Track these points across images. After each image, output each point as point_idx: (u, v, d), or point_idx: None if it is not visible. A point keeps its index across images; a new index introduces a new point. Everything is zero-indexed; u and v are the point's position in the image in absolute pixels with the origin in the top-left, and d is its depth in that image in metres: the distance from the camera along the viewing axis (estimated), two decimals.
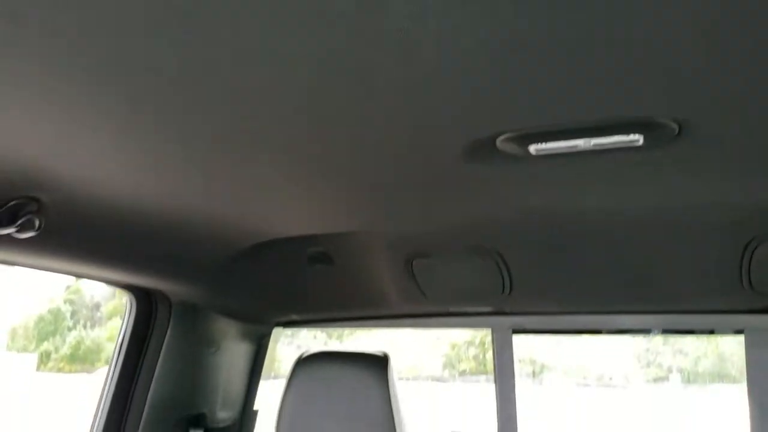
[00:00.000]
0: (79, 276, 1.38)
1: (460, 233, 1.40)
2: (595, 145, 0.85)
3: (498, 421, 1.87)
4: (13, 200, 0.98)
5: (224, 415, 1.77)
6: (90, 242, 1.22)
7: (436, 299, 1.70)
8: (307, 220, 1.31)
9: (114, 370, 1.58)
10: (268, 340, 1.90)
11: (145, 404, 1.59)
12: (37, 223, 1.02)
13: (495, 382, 1.86)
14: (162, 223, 1.22)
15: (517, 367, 1.88)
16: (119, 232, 1.22)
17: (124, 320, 1.61)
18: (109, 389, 1.58)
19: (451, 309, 1.79)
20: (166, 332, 1.60)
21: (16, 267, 1.23)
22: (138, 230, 1.24)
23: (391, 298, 1.72)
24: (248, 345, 1.85)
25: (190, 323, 1.64)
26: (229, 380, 1.79)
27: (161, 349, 1.60)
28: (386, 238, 1.47)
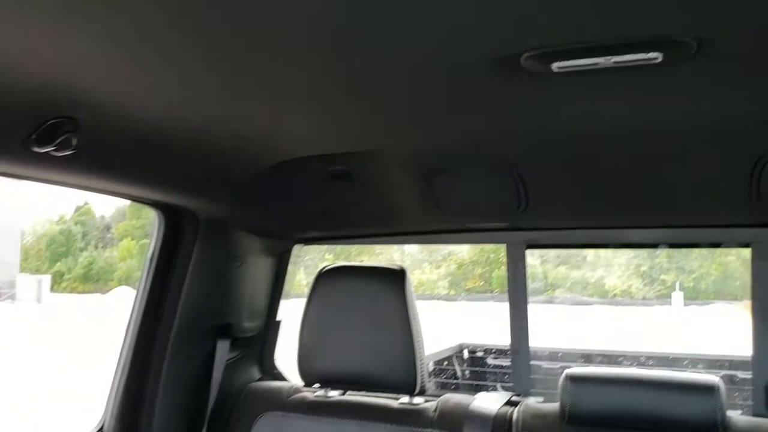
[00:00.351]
0: (110, 194, 1.43)
1: (480, 149, 1.44)
2: (615, 62, 0.88)
3: (511, 332, 1.96)
4: (51, 120, 1.01)
5: (249, 325, 1.85)
6: (122, 160, 1.26)
7: (454, 215, 1.75)
8: (329, 138, 1.35)
9: (145, 284, 1.66)
10: (289, 256, 1.97)
11: (175, 316, 1.67)
12: (73, 141, 1.05)
13: (508, 294, 1.94)
14: (190, 141, 1.26)
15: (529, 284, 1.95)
16: (150, 150, 1.26)
17: (153, 237, 1.67)
18: (140, 302, 1.66)
19: (468, 224, 1.84)
20: (194, 247, 1.66)
21: (52, 185, 1.27)
22: (167, 148, 1.28)
23: (409, 214, 1.77)
24: (271, 260, 1.92)
25: (216, 239, 1.70)
26: (253, 293, 1.86)
27: (189, 263, 1.66)
28: (406, 154, 1.51)
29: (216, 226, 1.69)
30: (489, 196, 1.63)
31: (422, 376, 1.58)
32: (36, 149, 1.03)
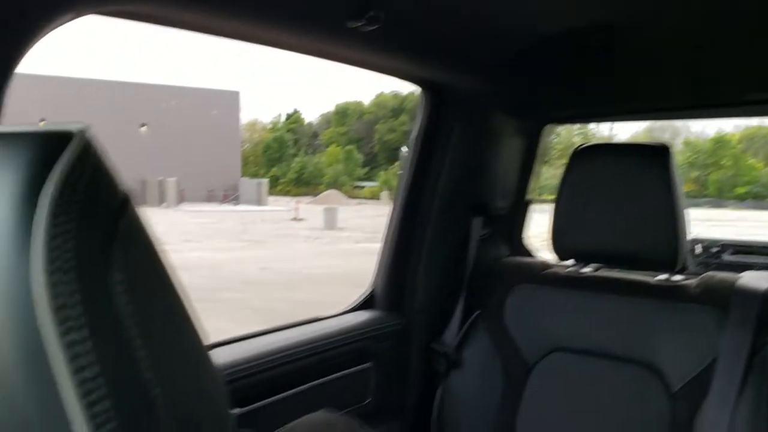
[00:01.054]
0: (385, 72, 1.54)
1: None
2: None
3: None
4: None
5: (501, 204, 1.93)
6: (405, 38, 1.34)
7: (724, 87, 1.65)
8: (594, 8, 1.33)
9: (410, 163, 1.78)
10: (541, 136, 2.00)
11: (435, 194, 1.79)
12: (381, 15, 1.14)
13: None
14: (458, 17, 1.31)
15: None
16: (429, 26, 1.33)
17: (417, 117, 1.77)
18: (406, 181, 1.79)
19: (742, 97, 1.73)
20: (453, 127, 1.75)
21: (346, 64, 1.40)
22: (442, 25, 1.34)
23: (672, 88, 1.70)
24: (523, 140, 1.95)
25: (474, 118, 1.77)
26: (505, 173, 1.93)
27: (449, 143, 1.75)
28: (673, 25, 1.44)
29: (475, 106, 1.75)
30: None
31: (685, 253, 1.55)
32: (349, 24, 1.14)
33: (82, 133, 0.44)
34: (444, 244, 1.84)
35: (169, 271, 0.51)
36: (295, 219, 23.68)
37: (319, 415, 0.60)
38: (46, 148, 0.43)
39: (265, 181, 37.74)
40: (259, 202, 34.24)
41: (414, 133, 1.78)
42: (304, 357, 1.47)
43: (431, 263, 1.82)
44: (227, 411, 0.57)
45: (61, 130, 0.44)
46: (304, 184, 48.48)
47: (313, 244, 16.38)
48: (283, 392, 1.40)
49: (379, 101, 58.26)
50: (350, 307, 1.80)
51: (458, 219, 1.84)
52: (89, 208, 0.43)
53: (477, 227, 1.85)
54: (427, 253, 1.81)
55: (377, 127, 55.53)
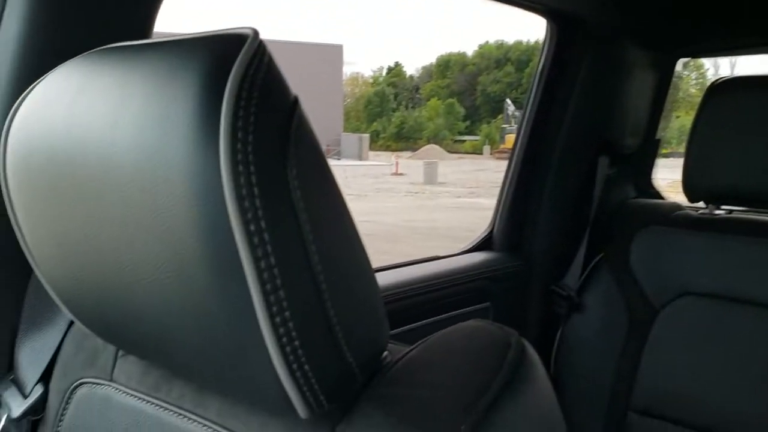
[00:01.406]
0: (512, 3, 1.47)
1: None
2: None
3: None
4: None
5: (629, 142, 1.83)
6: None
7: None
8: None
9: (533, 99, 1.72)
10: (673, 71, 1.88)
11: (560, 131, 1.72)
12: None
13: None
14: None
15: None
16: None
17: (542, 51, 1.70)
18: (528, 118, 1.73)
19: None
20: (581, 60, 1.66)
21: None
22: None
23: None
24: (654, 75, 1.84)
25: (603, 51, 1.68)
26: (634, 109, 1.83)
27: (576, 77, 1.67)
28: None
29: (604, 38, 1.66)
30: None
31: None
32: None
33: (255, 34, 0.45)
34: (567, 184, 1.78)
35: (334, 175, 0.50)
36: (395, 174, 23.83)
37: (473, 323, 0.59)
38: (225, 48, 0.45)
39: (366, 135, 38.09)
40: (360, 156, 34.65)
41: (537, 68, 1.71)
42: (421, 294, 1.47)
43: (553, 203, 1.77)
44: (384, 319, 0.57)
45: (236, 33, 0.46)
46: (404, 139, 48.54)
47: (413, 198, 16.46)
48: (398, 327, 1.40)
49: (483, 52, 57.08)
50: (468, 247, 1.78)
51: (583, 158, 1.77)
52: (265, 105, 0.44)
53: (603, 166, 1.77)
54: (550, 192, 1.75)
55: (480, 79, 54.55)
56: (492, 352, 0.53)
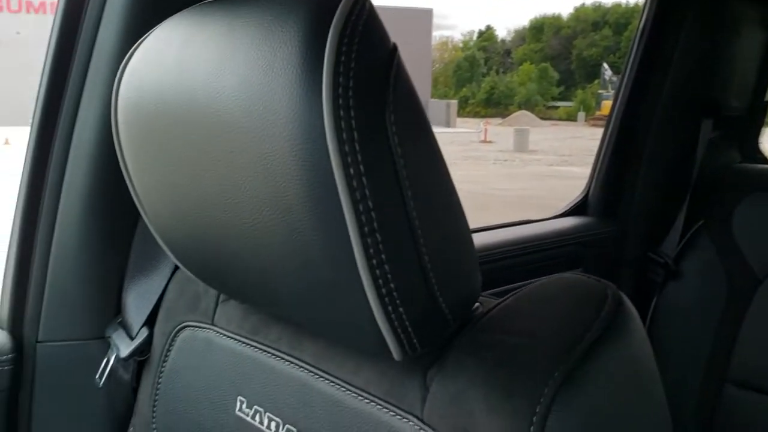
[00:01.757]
0: None
1: None
2: None
3: None
4: None
5: (735, 104, 1.74)
6: None
7: None
8: None
9: (632, 60, 1.65)
10: None
11: (661, 92, 1.65)
12: None
13: None
14: None
15: None
16: None
17: (643, 9, 1.63)
18: (627, 80, 1.67)
19: None
20: (685, 16, 1.58)
21: None
22: None
23: None
24: (762, 32, 1.73)
25: (707, 8, 1.59)
26: (741, 70, 1.72)
27: (679, 35, 1.60)
28: None
29: None
30: None
31: None
32: None
33: None
34: (668, 148, 1.71)
35: (429, 123, 0.51)
36: (483, 141, 23.50)
37: (569, 275, 0.58)
38: None
39: (454, 102, 37.61)
40: (447, 123, 34.28)
41: (639, 26, 1.64)
42: (510, 257, 1.46)
43: (653, 167, 1.70)
44: (477, 269, 0.57)
45: None
46: (494, 105, 47.64)
47: (502, 166, 16.20)
48: (486, 290, 1.40)
49: (579, 14, 55.03)
50: (561, 212, 1.75)
51: (685, 120, 1.69)
52: (365, 51, 0.45)
53: (706, 129, 1.69)
54: (649, 156, 1.69)
55: (575, 42, 52.71)
56: (588, 303, 0.53)
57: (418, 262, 0.48)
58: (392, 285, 0.47)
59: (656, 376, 0.53)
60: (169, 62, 0.56)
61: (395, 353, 0.51)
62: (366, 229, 0.45)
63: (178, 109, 0.55)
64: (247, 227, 0.52)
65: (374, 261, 0.46)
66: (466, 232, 0.54)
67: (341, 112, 0.43)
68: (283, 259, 0.52)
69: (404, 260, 0.48)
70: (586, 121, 34.42)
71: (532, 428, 0.46)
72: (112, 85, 0.64)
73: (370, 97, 0.45)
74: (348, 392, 0.59)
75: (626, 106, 1.67)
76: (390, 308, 0.48)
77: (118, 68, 0.64)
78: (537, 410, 0.47)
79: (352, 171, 0.44)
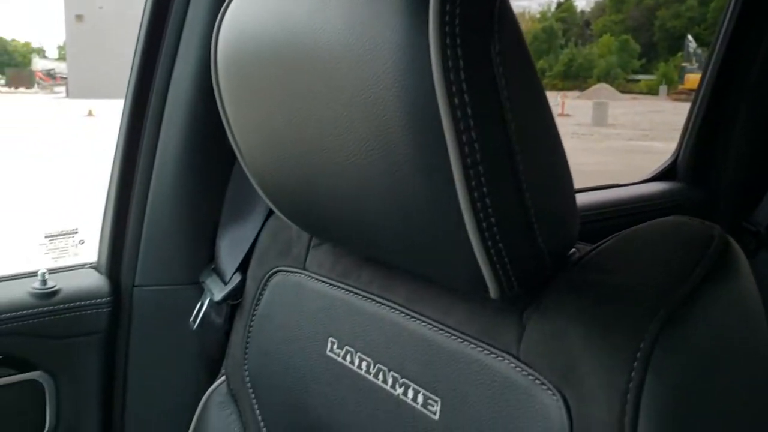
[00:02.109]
0: None
1: None
2: None
3: None
4: None
5: None
6: None
7: None
8: None
9: (728, 25, 1.58)
10: None
11: (757, 53, 1.57)
12: None
13: None
14: None
15: None
16: None
17: None
18: (721, 41, 1.59)
19: None
20: None
21: None
22: None
23: None
24: None
25: None
26: None
27: None
28: None
29: None
30: None
31: None
32: None
33: None
34: (764, 111, 1.62)
35: (532, 59, 0.50)
36: (560, 114, 22.90)
37: (671, 218, 0.57)
38: None
39: None
40: None
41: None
42: (595, 221, 1.43)
43: (747, 132, 1.63)
44: (576, 212, 0.56)
45: None
46: (572, 78, 46.27)
47: (580, 140, 15.76)
48: None
49: None
50: (649, 176, 1.69)
51: None
52: None
53: None
54: (744, 119, 1.61)
55: (658, 13, 50.44)
56: (694, 244, 0.51)
57: (520, 199, 0.48)
58: (493, 219, 0.47)
59: (763, 318, 0.51)
60: (270, 1, 0.57)
61: (492, 290, 0.50)
62: (469, 160, 0.45)
63: (280, 49, 0.55)
64: (346, 166, 0.53)
65: (476, 194, 0.46)
66: (566, 174, 0.53)
67: (448, 40, 0.43)
68: (381, 195, 0.52)
69: (506, 196, 0.47)
70: (668, 95, 33.07)
71: (635, 364, 0.46)
72: (211, 30, 0.66)
73: (477, 27, 0.44)
74: (440, 331, 0.60)
75: (719, 69, 1.60)
76: (489, 243, 0.48)
77: (217, 12, 0.65)
78: (641, 346, 0.46)
79: (457, 101, 0.44)
